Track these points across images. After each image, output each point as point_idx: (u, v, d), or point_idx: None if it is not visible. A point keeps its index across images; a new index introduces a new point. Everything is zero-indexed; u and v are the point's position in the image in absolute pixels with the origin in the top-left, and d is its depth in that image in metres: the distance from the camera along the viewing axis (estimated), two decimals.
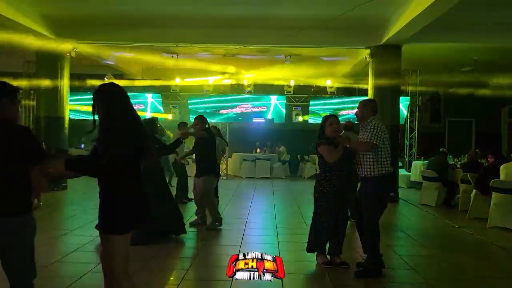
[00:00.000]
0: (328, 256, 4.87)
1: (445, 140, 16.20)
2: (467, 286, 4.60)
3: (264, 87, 14.74)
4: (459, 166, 10.19)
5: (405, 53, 10.31)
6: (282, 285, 4.23)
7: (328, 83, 14.09)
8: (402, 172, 12.52)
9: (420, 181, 10.94)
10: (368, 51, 10.46)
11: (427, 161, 10.72)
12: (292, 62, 13.14)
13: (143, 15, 9.57)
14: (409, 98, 14.03)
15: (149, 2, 8.76)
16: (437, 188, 9.40)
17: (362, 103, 4.64)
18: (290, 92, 14.28)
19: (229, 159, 15.08)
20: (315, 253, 4.92)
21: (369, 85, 10.59)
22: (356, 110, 4.71)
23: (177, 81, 14.00)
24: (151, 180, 4.82)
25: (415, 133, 14.44)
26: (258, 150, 15.60)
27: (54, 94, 10.48)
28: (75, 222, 7.26)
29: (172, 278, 4.52)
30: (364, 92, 12.17)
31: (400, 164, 12.01)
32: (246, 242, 5.95)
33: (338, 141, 4.56)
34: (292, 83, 14.19)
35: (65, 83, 10.68)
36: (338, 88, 14.18)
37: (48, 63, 10.47)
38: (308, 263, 5.14)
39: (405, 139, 14.49)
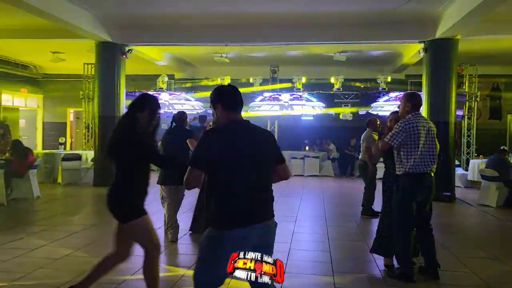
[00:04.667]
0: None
1: (506, 137, 15.32)
2: None
3: (313, 84, 14.63)
4: None
5: (461, 46, 9.87)
6: (334, 285, 4.21)
7: (379, 79, 13.74)
8: (459, 171, 12.00)
9: (478, 181, 10.46)
10: (422, 45, 10.12)
11: (486, 160, 10.22)
12: (342, 59, 12.95)
13: (194, 16, 9.80)
14: (466, 93, 13.42)
15: (199, 2, 8.96)
16: (497, 188, 8.95)
17: (404, 98, 4.45)
18: (339, 88, 14.06)
19: None
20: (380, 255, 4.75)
21: (423, 80, 10.24)
22: (399, 104, 4.56)
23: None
24: None
25: (473, 130, 13.79)
26: (307, 148, 15.52)
27: (111, 95, 10.97)
28: None
29: None
30: (418, 87, 11.78)
31: (457, 162, 11.52)
32: (296, 240, 5.97)
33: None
34: (341, 79, 13.96)
35: (121, 84, 11.16)
36: (389, 84, 13.81)
37: (105, 65, 10.98)
38: (359, 262, 5.09)
39: (462, 136, 13.88)
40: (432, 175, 4.32)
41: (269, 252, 2.51)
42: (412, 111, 4.32)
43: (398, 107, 4.56)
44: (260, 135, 2.61)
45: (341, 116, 14.14)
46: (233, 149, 2.46)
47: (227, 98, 2.59)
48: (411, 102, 4.36)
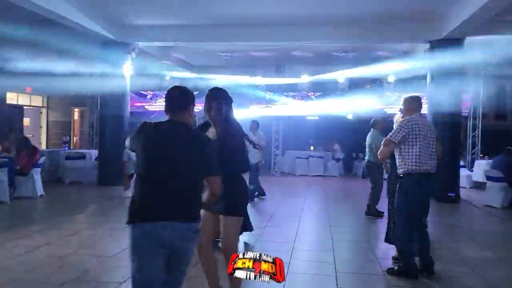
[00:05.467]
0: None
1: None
2: None
3: (318, 83, 14.58)
4: None
5: (468, 46, 9.79)
6: (337, 285, 4.18)
7: (385, 78, 13.69)
8: (464, 171, 11.93)
9: (483, 181, 10.39)
10: (427, 45, 10.05)
11: (491, 160, 10.15)
12: (347, 58, 12.89)
13: (200, 16, 9.79)
14: (472, 93, 13.32)
15: (205, 3, 8.95)
16: (502, 189, 8.87)
17: (406, 101, 4.57)
18: (344, 88, 14.01)
19: (282, 157, 15.11)
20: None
21: (428, 80, 10.17)
22: (401, 107, 4.67)
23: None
24: None
25: (479, 130, 13.70)
26: (312, 148, 15.50)
27: (116, 94, 10.95)
28: None
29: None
30: (423, 87, 11.72)
31: (462, 163, 11.45)
32: (299, 239, 5.95)
33: None
34: (347, 78, 13.91)
35: (126, 83, 11.16)
36: (395, 84, 13.74)
37: (110, 64, 10.96)
38: (362, 262, 5.06)
39: (468, 137, 13.79)
40: (432, 175, 4.33)
41: (183, 260, 2.56)
42: (413, 112, 4.41)
43: (400, 110, 4.65)
44: (188, 139, 2.57)
45: (349, 117, 14.12)
46: (152, 144, 2.52)
47: (166, 100, 2.68)
48: (412, 104, 4.48)
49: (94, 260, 4.84)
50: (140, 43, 11.24)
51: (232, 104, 3.42)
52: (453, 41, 9.50)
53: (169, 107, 2.66)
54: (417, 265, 4.42)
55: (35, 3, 7.74)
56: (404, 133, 4.25)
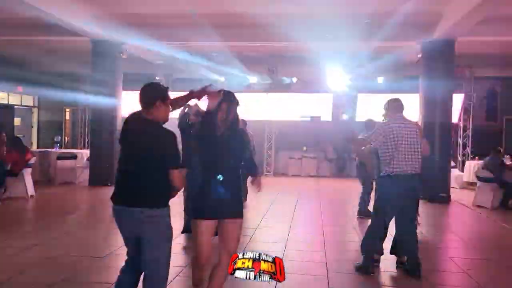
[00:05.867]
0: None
1: (502, 139, 15.35)
2: None
3: (309, 84, 14.61)
4: None
5: (459, 48, 9.87)
6: (328, 285, 4.20)
7: (377, 79, 13.77)
8: (455, 172, 12.02)
9: (474, 182, 10.49)
10: (419, 46, 10.10)
11: (481, 161, 10.24)
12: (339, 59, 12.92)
13: (191, 15, 9.76)
14: (463, 94, 13.43)
15: (197, 2, 8.94)
16: (492, 189, 8.96)
17: (386, 103, 4.66)
18: (336, 90, 14.06)
19: (275, 157, 15.12)
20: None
21: (420, 81, 10.25)
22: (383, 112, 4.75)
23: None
24: None
25: (469, 131, 13.83)
26: (305, 148, 15.53)
27: (107, 94, 10.88)
28: None
29: None
30: (415, 88, 11.81)
31: (453, 164, 11.55)
32: (291, 240, 5.96)
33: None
34: (338, 80, 13.96)
35: (117, 82, 11.09)
36: (387, 85, 13.81)
37: (101, 63, 10.90)
38: (353, 262, 5.08)
39: (459, 137, 13.90)
40: (416, 176, 4.35)
41: (148, 244, 2.75)
42: (394, 114, 4.48)
43: (383, 115, 4.71)
44: (148, 132, 2.81)
45: (345, 118, 14.19)
46: (123, 137, 2.92)
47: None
48: (393, 106, 4.55)
49: (85, 261, 4.82)
50: (131, 42, 11.16)
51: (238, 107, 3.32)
52: (445, 42, 9.57)
53: (140, 104, 2.91)
54: (375, 263, 4.62)
55: (24, 1, 7.68)
56: (381, 137, 4.35)
